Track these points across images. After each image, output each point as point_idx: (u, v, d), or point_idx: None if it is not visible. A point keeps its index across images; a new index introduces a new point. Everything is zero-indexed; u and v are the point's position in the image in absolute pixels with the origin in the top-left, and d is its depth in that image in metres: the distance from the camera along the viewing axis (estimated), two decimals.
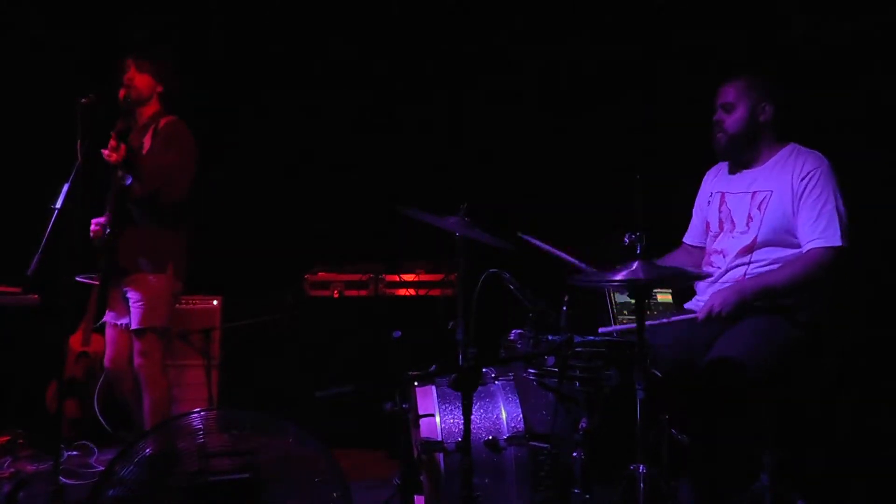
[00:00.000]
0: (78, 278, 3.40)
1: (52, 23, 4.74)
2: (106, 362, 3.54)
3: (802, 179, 2.72)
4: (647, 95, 4.28)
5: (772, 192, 2.78)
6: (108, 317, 3.55)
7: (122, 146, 3.25)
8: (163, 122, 3.50)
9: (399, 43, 4.82)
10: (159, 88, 3.54)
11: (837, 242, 2.64)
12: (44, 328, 3.56)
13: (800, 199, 2.71)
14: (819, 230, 2.66)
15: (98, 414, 3.77)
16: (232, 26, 4.88)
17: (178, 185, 3.44)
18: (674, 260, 3.11)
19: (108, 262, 3.40)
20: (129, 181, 3.37)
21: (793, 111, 2.91)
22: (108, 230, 3.39)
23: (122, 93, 3.48)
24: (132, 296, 3.41)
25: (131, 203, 3.41)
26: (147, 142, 3.46)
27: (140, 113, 3.55)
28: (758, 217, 2.79)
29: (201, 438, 2.29)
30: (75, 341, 4.54)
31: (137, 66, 3.50)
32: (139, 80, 3.50)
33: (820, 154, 2.79)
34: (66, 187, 2.97)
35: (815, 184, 2.70)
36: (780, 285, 2.65)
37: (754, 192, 2.83)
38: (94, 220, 3.50)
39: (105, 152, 3.26)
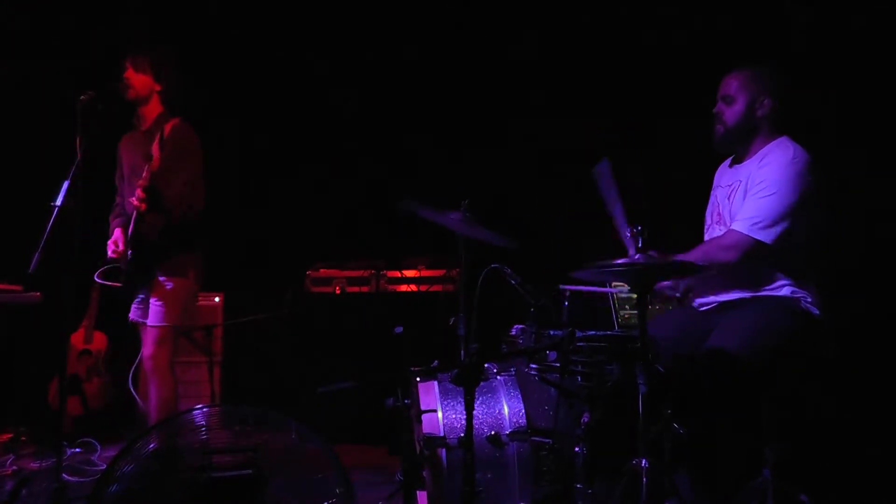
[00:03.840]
0: (96, 278, 3.38)
1: (51, 21, 4.74)
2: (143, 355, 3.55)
3: (762, 169, 2.70)
4: (648, 93, 4.27)
5: (741, 181, 2.78)
6: (133, 314, 3.53)
7: (146, 196, 3.22)
8: (168, 127, 3.44)
9: (399, 41, 4.82)
10: (158, 87, 3.49)
11: (754, 234, 2.60)
12: (46, 325, 3.56)
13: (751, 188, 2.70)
14: (745, 216, 2.63)
15: (130, 387, 3.81)
16: (233, 24, 4.88)
17: (196, 203, 3.43)
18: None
19: (130, 275, 3.39)
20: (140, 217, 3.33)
21: (793, 105, 2.90)
22: (130, 253, 3.35)
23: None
24: (153, 296, 3.42)
25: (155, 235, 3.37)
26: (155, 151, 3.41)
27: (143, 115, 3.52)
28: (727, 207, 2.81)
29: (204, 435, 2.29)
30: (77, 339, 4.55)
31: (135, 65, 3.45)
32: (136, 80, 3.44)
33: (795, 148, 2.72)
34: (66, 184, 2.96)
35: (767, 173, 2.67)
36: (694, 259, 2.60)
37: (732, 184, 2.85)
38: (110, 242, 3.46)
39: (134, 202, 3.23)
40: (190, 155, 3.46)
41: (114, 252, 3.44)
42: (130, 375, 3.86)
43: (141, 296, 3.50)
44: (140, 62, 3.47)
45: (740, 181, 2.79)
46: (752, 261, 2.62)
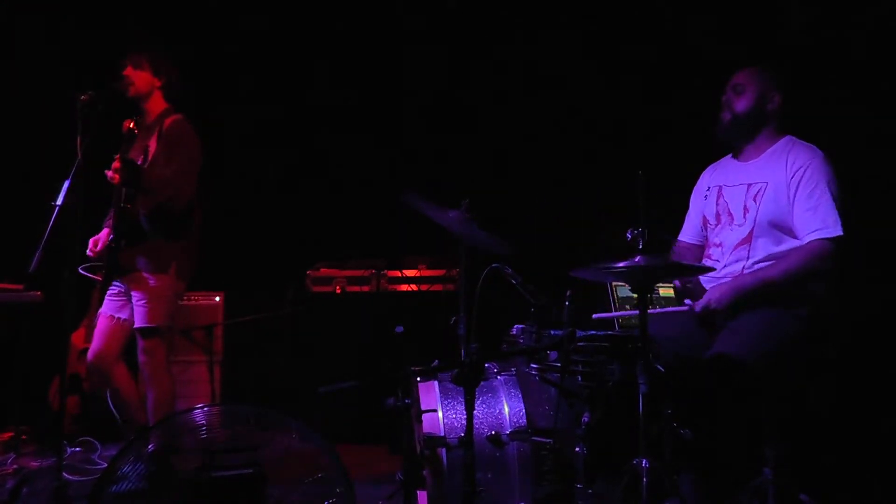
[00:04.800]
0: (80, 270, 3.39)
1: (52, 19, 4.74)
2: (89, 356, 3.47)
3: (796, 172, 2.73)
4: (648, 91, 4.27)
5: (767, 183, 2.79)
6: (107, 308, 3.50)
7: (121, 165, 3.24)
8: (167, 122, 3.46)
9: (399, 40, 4.82)
10: (158, 83, 3.52)
11: (837, 232, 2.64)
12: (46, 325, 3.56)
13: (795, 192, 2.71)
14: (818, 221, 2.66)
15: (109, 404, 3.80)
16: (235, 22, 4.88)
17: (184, 193, 3.42)
18: (672, 257, 3.11)
19: (111, 263, 3.38)
20: (129, 196, 3.33)
21: (794, 104, 2.91)
22: (113, 238, 3.35)
23: (127, 124, 3.45)
24: (135, 294, 3.41)
25: (139, 218, 3.37)
26: (152, 144, 3.43)
27: (146, 112, 3.54)
28: (753, 208, 2.79)
29: (204, 434, 2.29)
30: (77, 338, 4.54)
31: (134, 62, 3.47)
32: (136, 77, 3.48)
33: (814, 147, 2.79)
34: (66, 184, 2.97)
35: (810, 176, 2.71)
36: (778, 279, 2.66)
37: (750, 184, 2.84)
38: (91, 240, 3.47)
39: (109, 174, 3.26)
40: (184, 147, 3.47)
41: (91, 250, 3.45)
42: (109, 395, 3.84)
43: (120, 287, 3.48)
44: (138, 59, 3.49)
45: (766, 182, 2.78)
46: (839, 260, 2.65)
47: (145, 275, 3.40)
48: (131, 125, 3.43)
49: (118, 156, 3.29)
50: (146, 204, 3.35)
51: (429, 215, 2.79)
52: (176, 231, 3.45)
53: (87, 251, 3.44)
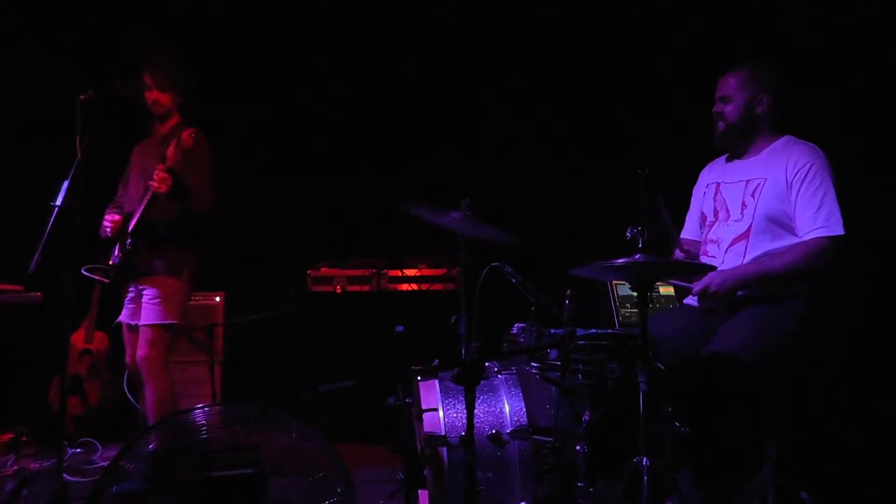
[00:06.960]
0: (84, 272, 3.40)
1: (52, 18, 4.74)
2: (127, 359, 3.57)
3: (799, 171, 2.74)
4: (649, 90, 4.27)
5: (765, 179, 2.81)
6: (124, 316, 3.58)
7: (169, 177, 3.29)
8: (184, 134, 3.48)
9: (399, 40, 4.82)
10: (181, 100, 3.61)
11: (840, 231, 2.66)
12: (46, 325, 3.56)
13: (798, 191, 2.73)
14: (821, 220, 2.68)
15: (126, 391, 3.83)
16: (236, 23, 4.88)
17: (207, 202, 3.47)
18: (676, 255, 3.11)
19: (125, 265, 3.42)
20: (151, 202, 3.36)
21: (791, 103, 2.91)
22: (130, 242, 3.39)
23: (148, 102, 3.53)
24: (148, 293, 3.44)
25: (159, 225, 3.41)
26: (170, 154, 3.45)
27: (162, 122, 3.61)
28: (751, 204, 2.81)
29: (205, 434, 2.29)
30: (78, 338, 4.55)
31: (157, 83, 3.53)
32: (164, 98, 3.56)
33: (814, 146, 2.81)
34: (65, 184, 2.96)
35: (814, 175, 2.72)
36: (779, 271, 2.67)
37: (748, 181, 2.86)
38: (105, 220, 3.50)
39: (153, 185, 3.29)
40: (202, 159, 3.52)
41: (110, 224, 3.47)
42: (125, 379, 3.88)
43: (131, 294, 3.52)
44: (163, 80, 3.55)
45: (765, 178, 2.80)
46: (839, 259, 2.67)
47: (160, 277, 3.44)
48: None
49: (162, 165, 3.31)
50: (170, 213, 3.38)
51: (431, 220, 2.79)
52: (192, 240, 3.51)
53: (107, 231, 3.48)
